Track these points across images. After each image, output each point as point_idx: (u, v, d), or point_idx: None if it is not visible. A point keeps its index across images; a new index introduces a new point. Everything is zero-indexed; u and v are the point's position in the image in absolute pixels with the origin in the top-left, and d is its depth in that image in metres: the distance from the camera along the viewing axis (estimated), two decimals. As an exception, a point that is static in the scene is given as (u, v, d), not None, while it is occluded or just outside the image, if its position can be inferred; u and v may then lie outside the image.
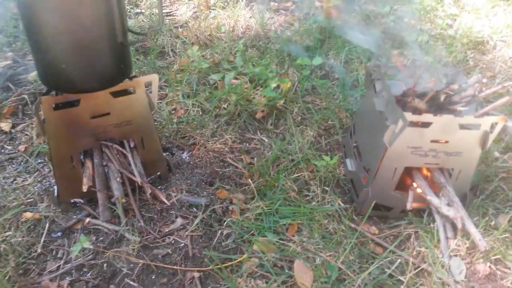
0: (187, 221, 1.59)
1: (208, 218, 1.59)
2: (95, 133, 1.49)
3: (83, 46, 1.27)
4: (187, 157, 1.87)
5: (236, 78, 2.35)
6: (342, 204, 1.68)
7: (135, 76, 1.48)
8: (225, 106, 2.13)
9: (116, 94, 1.46)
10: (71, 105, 1.42)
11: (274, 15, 3.00)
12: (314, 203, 1.67)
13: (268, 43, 2.67)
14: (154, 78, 1.52)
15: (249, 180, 1.72)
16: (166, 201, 1.55)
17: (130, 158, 1.53)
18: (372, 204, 1.54)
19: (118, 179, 1.50)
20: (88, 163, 1.53)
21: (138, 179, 1.48)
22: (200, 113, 2.12)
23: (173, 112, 2.09)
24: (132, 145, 1.60)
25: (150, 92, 1.56)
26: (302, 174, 1.79)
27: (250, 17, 2.88)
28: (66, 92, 1.37)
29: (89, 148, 1.53)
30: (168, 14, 2.94)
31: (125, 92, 1.50)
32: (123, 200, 1.49)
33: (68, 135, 1.44)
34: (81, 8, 1.22)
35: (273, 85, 2.24)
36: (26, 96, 2.02)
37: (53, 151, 1.45)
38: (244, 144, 1.97)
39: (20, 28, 2.49)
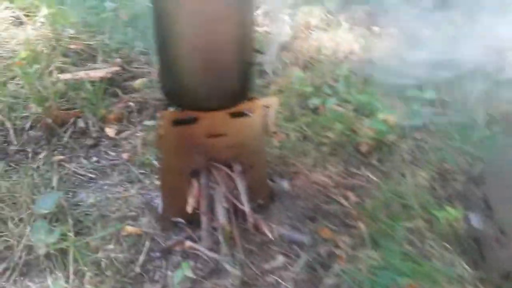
0: (289, 260, 1.45)
1: (312, 260, 1.44)
2: (207, 153, 1.41)
3: (214, 62, 1.21)
4: (288, 186, 1.74)
5: (338, 105, 2.21)
6: (467, 268, 1.44)
7: (254, 98, 1.39)
8: (328, 134, 1.98)
9: (233, 115, 1.37)
10: (189, 122, 1.35)
11: (378, 40, 2.82)
12: (434, 260, 1.45)
13: (373, 70, 2.50)
14: (273, 101, 1.42)
15: (359, 223, 1.55)
16: (270, 235, 1.42)
17: (238, 183, 1.43)
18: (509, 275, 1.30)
19: (224, 204, 1.40)
20: (195, 183, 1.45)
21: (246, 208, 1.37)
22: (301, 139, 1.99)
23: (273, 135, 1.99)
24: (239, 169, 1.50)
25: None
26: (416, 223, 1.58)
27: (353, 42, 2.73)
28: (187, 108, 1.30)
29: (198, 168, 1.46)
30: (268, 33, 2.89)
31: (241, 114, 1.42)
32: (228, 228, 1.39)
33: (182, 153, 1.38)
34: (217, 24, 1.15)
35: (381, 116, 2.06)
36: (132, 104, 2.03)
37: (165, 167, 1.39)
38: (349, 179, 1.81)
39: (128, 36, 2.56)
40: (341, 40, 2.72)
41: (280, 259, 1.45)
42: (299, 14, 2.88)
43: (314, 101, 2.22)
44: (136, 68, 2.33)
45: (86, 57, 2.34)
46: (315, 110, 2.18)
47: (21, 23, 2.51)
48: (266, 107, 1.42)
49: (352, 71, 2.45)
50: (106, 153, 1.84)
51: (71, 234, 1.41)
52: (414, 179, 1.79)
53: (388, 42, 2.84)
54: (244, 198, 1.41)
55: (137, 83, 2.18)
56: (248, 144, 1.44)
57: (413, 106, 2.21)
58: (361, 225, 1.51)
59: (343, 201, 1.67)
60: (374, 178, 1.81)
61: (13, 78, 2.11)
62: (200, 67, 1.21)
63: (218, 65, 1.21)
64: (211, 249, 1.43)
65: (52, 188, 1.61)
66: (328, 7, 2.95)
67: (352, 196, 1.69)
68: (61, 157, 1.78)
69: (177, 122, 1.32)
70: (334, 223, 1.59)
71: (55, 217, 1.50)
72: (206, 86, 1.24)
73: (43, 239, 1.38)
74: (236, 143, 1.42)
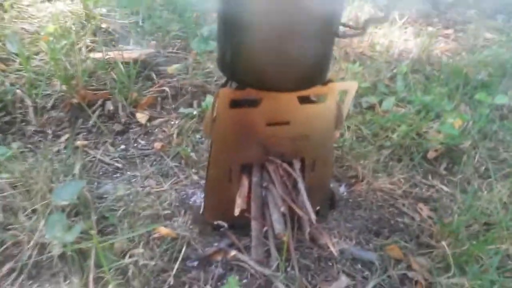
0: (354, 282, 1.18)
1: (383, 284, 1.17)
2: (265, 144, 1.16)
3: (292, 31, 0.95)
4: (346, 193, 1.48)
5: (397, 105, 1.95)
6: None
7: (330, 81, 1.14)
8: (390, 135, 1.72)
9: (302, 100, 1.12)
10: (249, 105, 1.10)
11: (435, 41, 2.56)
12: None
13: (432, 70, 2.23)
14: (352, 86, 1.16)
15: (438, 242, 1.27)
16: (334, 250, 1.15)
17: (300, 184, 1.17)
18: None
19: (282, 209, 1.14)
20: (245, 181, 1.20)
21: (312, 215, 1.11)
22: (354, 138, 1.73)
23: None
24: (299, 166, 1.24)
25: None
26: (502, 246, 1.30)
27: (408, 40, 2.48)
28: (251, 86, 1.05)
29: (251, 162, 1.21)
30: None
31: (311, 100, 1.17)
32: (284, 238, 1.13)
33: (235, 141, 1.13)
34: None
35: (450, 120, 1.79)
36: (167, 89, 1.80)
37: (214, 157, 1.14)
38: (417, 188, 1.54)
39: (163, 19, 2.35)
40: (394, 37, 2.47)
41: (344, 280, 1.18)
42: (349, 8, 2.64)
43: (369, 99, 1.97)
44: (171, 52, 2.11)
45: (118, 38, 2.13)
46: (369, 109, 1.93)
47: (50, -2, 2.32)
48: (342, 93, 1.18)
49: (411, 70, 2.19)
50: (136, 141, 1.61)
51: (93, 233, 1.16)
52: (491, 194, 1.51)
53: (446, 43, 2.58)
54: (307, 202, 1.15)
55: (173, 68, 1.96)
56: (314, 137, 1.18)
57: (481, 111, 1.93)
58: (444, 245, 1.23)
59: (414, 214, 1.40)
60: (445, 189, 1.54)
61: (37, 53, 1.90)
62: (273, 36, 0.95)
63: (296, 35, 0.96)
64: (260, 262, 1.17)
65: (74, 176, 1.37)
66: (380, 3, 2.71)
67: (425, 209, 1.42)
68: (85, 142, 1.55)
69: (235, 104, 1.08)
70: (405, 240, 1.32)
71: (75, 211, 1.26)
72: (278, 58, 0.99)
73: (59, 236, 1.13)
74: (301, 134, 1.16)
